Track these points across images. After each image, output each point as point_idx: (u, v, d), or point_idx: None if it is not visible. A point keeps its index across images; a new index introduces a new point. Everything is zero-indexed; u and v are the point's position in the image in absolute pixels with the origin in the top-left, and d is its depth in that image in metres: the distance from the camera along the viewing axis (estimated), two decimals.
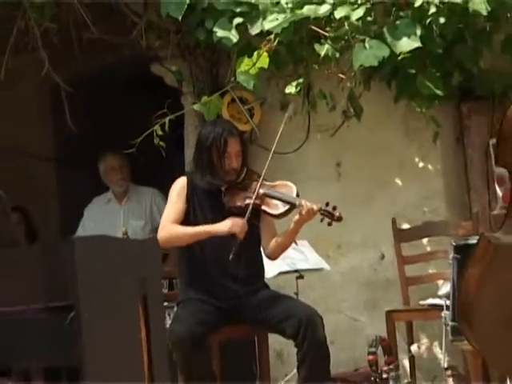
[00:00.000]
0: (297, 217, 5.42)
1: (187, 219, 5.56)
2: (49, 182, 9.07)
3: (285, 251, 5.71)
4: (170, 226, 5.51)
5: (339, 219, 5.40)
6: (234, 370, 5.84)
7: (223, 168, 5.51)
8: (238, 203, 5.50)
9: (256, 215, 5.50)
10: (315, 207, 5.35)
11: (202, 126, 6.36)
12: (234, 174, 5.55)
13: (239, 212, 5.48)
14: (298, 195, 5.50)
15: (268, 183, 5.54)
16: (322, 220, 5.40)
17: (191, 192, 5.58)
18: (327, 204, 5.38)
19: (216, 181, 5.54)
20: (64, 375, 3.43)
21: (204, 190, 5.59)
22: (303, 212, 5.37)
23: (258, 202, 5.45)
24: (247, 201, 5.46)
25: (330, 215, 5.38)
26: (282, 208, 5.48)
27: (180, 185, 5.61)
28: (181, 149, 6.96)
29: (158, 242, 5.08)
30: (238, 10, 6.40)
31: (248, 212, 5.38)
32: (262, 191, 5.47)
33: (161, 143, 6.37)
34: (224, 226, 5.38)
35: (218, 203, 5.54)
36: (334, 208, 5.37)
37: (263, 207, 5.49)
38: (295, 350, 5.62)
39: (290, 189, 5.58)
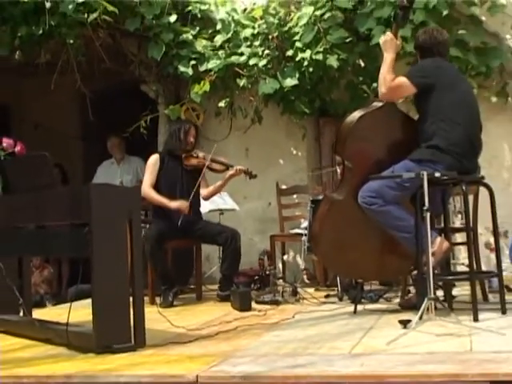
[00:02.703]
0: (230, 172, 5.41)
1: (159, 178, 5.44)
2: (76, 151, 8.89)
3: (214, 196, 5.68)
4: (148, 190, 5.38)
5: (255, 176, 5.46)
6: (181, 267, 5.83)
7: (185, 142, 5.45)
8: (193, 164, 5.43)
9: (199, 173, 5.38)
10: (243, 168, 5.40)
11: (172, 122, 6.33)
12: (191, 147, 5.49)
13: (193, 169, 5.41)
14: None
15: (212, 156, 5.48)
16: (245, 176, 5.42)
17: (161, 161, 5.48)
18: (248, 168, 5.43)
19: (180, 150, 5.45)
20: (81, 263, 3.40)
21: (171, 157, 5.48)
22: (234, 170, 5.39)
23: (208, 163, 5.38)
24: (201, 163, 5.39)
25: (250, 174, 5.43)
26: (222, 167, 5.47)
27: (154, 158, 5.49)
28: (155, 135, 6.89)
29: (140, 190, 5.12)
30: (193, 56, 6.38)
31: (194, 190, 5.28)
32: (211, 157, 5.42)
33: (144, 131, 6.37)
34: (175, 204, 5.26)
35: (179, 165, 5.46)
36: (252, 171, 5.42)
37: (213, 166, 5.44)
38: (219, 254, 5.63)
39: (226, 159, 5.56)
